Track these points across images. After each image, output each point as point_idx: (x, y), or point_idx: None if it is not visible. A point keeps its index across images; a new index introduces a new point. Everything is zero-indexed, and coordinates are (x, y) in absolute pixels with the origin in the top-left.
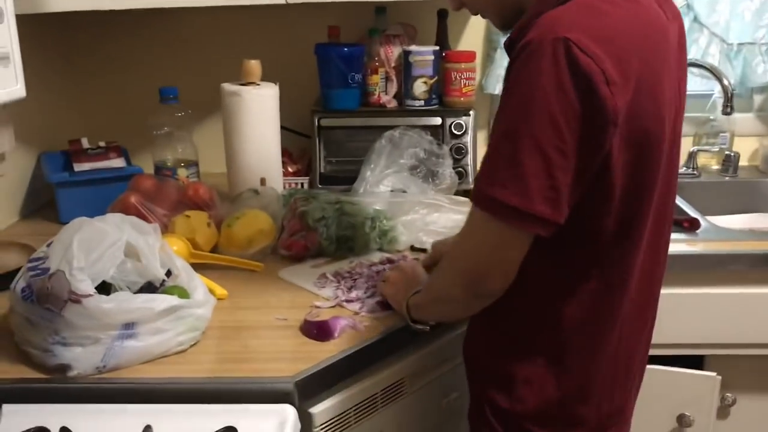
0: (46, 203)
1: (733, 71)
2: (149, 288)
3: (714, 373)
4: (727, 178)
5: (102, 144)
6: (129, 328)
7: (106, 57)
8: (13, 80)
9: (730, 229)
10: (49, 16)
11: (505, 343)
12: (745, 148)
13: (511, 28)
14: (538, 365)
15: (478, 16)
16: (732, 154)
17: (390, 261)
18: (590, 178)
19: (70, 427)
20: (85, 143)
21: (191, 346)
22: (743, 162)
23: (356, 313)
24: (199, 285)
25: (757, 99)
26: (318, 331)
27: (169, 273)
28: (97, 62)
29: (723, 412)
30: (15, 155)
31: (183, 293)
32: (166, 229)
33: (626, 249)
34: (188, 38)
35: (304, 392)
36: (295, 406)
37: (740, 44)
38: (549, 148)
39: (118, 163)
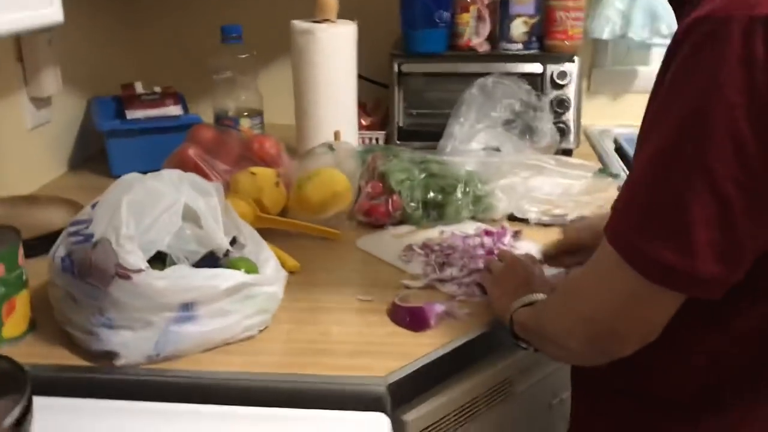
0: (97, 153)
1: None
2: (211, 259)
3: None
4: None
5: (157, 89)
6: (187, 309)
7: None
8: (52, 4)
9: None
10: None
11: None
12: None
13: None
14: None
15: None
16: None
17: (488, 233)
18: None
19: None
20: (138, 88)
21: (260, 331)
22: None
23: (452, 297)
24: (270, 257)
25: None
26: (411, 318)
27: (234, 241)
28: (153, 3)
29: None
30: (63, 100)
31: (251, 267)
32: (227, 188)
33: None
34: None
35: (397, 397)
36: (387, 415)
37: None
38: (730, 186)
39: (174, 110)
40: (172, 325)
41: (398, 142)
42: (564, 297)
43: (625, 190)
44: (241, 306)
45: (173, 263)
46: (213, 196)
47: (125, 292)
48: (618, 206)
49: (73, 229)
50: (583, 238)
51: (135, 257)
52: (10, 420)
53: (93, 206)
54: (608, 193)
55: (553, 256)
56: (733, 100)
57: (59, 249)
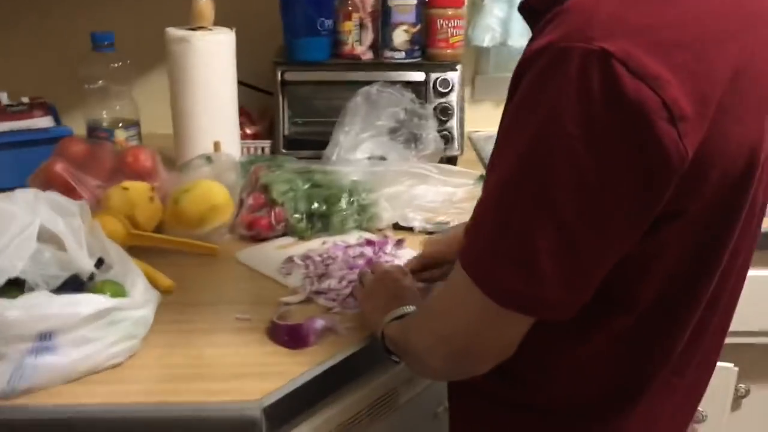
0: None
1: None
2: (75, 283)
3: (731, 364)
4: None
5: (25, 100)
6: (45, 339)
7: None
8: None
9: None
10: None
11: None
12: None
13: None
14: None
15: None
16: None
17: (370, 243)
18: (632, 245)
19: None
20: (4, 99)
21: (128, 358)
22: None
23: (329, 310)
24: (138, 278)
25: None
26: (290, 337)
27: (100, 262)
28: (20, 3)
29: (735, 404)
30: None
31: (117, 290)
32: (99, 205)
33: (673, 320)
34: None
35: (274, 419)
36: None
37: None
38: (572, 215)
39: (44, 122)
40: (28, 357)
41: (284, 151)
42: (423, 316)
43: (476, 216)
44: (105, 332)
45: (32, 290)
46: (75, 216)
47: None
48: (469, 231)
49: None
50: (443, 251)
51: None
52: None
53: None
54: None
55: (418, 270)
56: (572, 131)
57: None
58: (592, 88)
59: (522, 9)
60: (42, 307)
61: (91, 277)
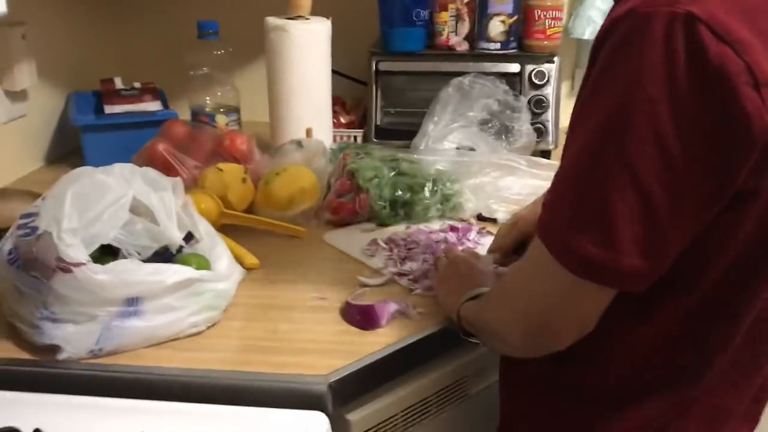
0: (76, 148)
1: None
2: (164, 254)
3: None
4: None
5: (137, 85)
6: (132, 304)
7: None
8: None
9: None
10: None
11: (561, 384)
12: None
13: None
14: None
15: None
16: None
17: (454, 229)
18: (710, 218)
19: (43, 429)
20: (118, 83)
21: (208, 327)
22: None
23: (411, 291)
24: (224, 253)
25: None
26: (362, 317)
27: (190, 236)
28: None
29: None
30: (41, 94)
31: (203, 263)
32: (195, 184)
33: (737, 303)
34: None
35: (340, 395)
36: (327, 414)
37: None
38: (651, 181)
39: (153, 106)
40: (116, 320)
41: (376, 140)
42: (500, 292)
43: (554, 187)
44: (188, 302)
45: (125, 258)
46: (168, 191)
47: (67, 286)
48: (547, 203)
49: (21, 221)
50: (515, 238)
51: (75, 250)
52: None
53: (42, 199)
54: None
55: (494, 250)
56: (655, 95)
57: (7, 242)
58: (677, 50)
59: None
60: (130, 273)
61: (180, 249)
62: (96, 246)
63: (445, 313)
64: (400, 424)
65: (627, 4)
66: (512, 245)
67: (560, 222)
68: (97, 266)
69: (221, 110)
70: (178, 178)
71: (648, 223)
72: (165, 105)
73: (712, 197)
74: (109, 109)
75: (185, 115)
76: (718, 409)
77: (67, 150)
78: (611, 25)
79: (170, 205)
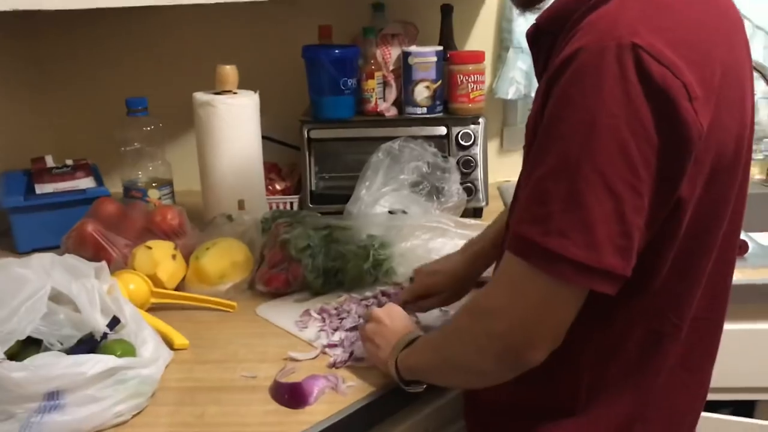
0: (6, 230)
1: None
2: (90, 342)
3: (767, 422)
4: None
5: (69, 162)
6: (53, 398)
7: (74, 66)
8: None
9: None
10: (11, 18)
11: (529, 406)
12: None
13: (531, 8)
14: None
15: (486, 11)
16: None
17: (386, 294)
18: (659, 223)
19: None
20: (50, 161)
21: (134, 416)
22: None
23: (340, 365)
24: (149, 337)
25: None
26: (290, 396)
27: (115, 321)
28: (64, 71)
29: None
30: None
31: (128, 349)
32: (126, 263)
33: (680, 295)
34: (159, 43)
35: None
36: None
37: None
38: (620, 184)
39: (86, 183)
40: (35, 416)
41: (311, 205)
42: (471, 320)
43: (525, 206)
44: (112, 391)
45: (48, 349)
46: (90, 278)
47: None
48: (521, 220)
49: None
50: (435, 282)
51: None
52: None
53: None
54: None
55: (410, 301)
56: (615, 112)
57: None
58: (628, 73)
59: (529, 36)
60: (48, 368)
61: (104, 336)
62: (11, 342)
63: (380, 368)
64: None
65: (572, 46)
66: (412, 295)
67: (538, 230)
68: (13, 364)
69: (153, 184)
70: (103, 263)
71: (621, 223)
72: (99, 181)
73: (663, 201)
74: (39, 188)
75: (118, 189)
76: (675, 411)
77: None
78: (563, 64)
79: (93, 291)
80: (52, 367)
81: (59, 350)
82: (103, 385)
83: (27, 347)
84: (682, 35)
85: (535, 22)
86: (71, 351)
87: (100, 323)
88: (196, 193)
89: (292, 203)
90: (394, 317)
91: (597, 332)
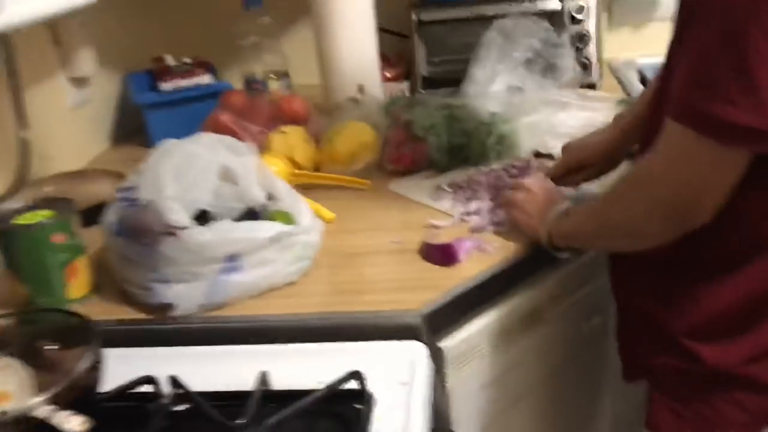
0: (136, 126)
1: None
2: (250, 214)
3: None
4: None
5: (187, 60)
6: (233, 260)
7: None
8: None
9: None
10: None
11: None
12: None
13: None
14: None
15: None
16: None
17: (513, 167)
18: None
19: (178, 375)
20: (169, 60)
21: (301, 276)
22: None
23: (480, 230)
24: (305, 208)
25: None
26: (441, 255)
27: (270, 196)
28: None
29: None
30: (100, 78)
31: (287, 218)
32: (262, 148)
33: None
34: None
35: (432, 326)
36: (424, 342)
37: None
38: None
39: (205, 79)
40: (220, 276)
41: (423, 90)
42: (637, 186)
43: (689, 73)
44: (282, 254)
45: (215, 220)
46: (247, 156)
47: (174, 249)
48: (685, 88)
49: (120, 195)
50: (585, 157)
51: (179, 216)
52: (84, 365)
53: (137, 173)
54: None
55: (561, 176)
56: None
57: (110, 216)
58: None
59: None
60: (229, 232)
61: (264, 208)
62: (195, 210)
63: (528, 233)
64: (486, 349)
65: None
66: (563, 169)
67: (704, 97)
68: (200, 228)
69: (272, 76)
70: (252, 143)
71: None
72: (216, 77)
73: None
74: (163, 86)
75: (238, 84)
76: None
77: (130, 129)
78: None
79: (251, 168)
80: (233, 231)
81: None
82: (274, 248)
83: (198, 219)
84: None
85: None
86: (237, 220)
87: (261, 196)
88: (310, 86)
89: (402, 89)
90: (545, 187)
91: (760, 190)
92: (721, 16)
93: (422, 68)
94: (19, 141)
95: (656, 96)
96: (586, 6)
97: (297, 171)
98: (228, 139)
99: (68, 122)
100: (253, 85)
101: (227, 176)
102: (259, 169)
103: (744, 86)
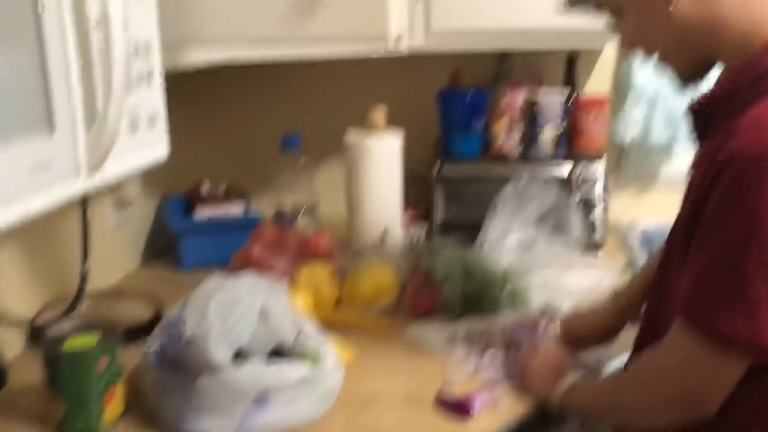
0: (166, 246)
1: None
2: (278, 351)
3: None
4: None
5: (222, 188)
6: (262, 398)
7: (230, 102)
8: (161, 141)
9: None
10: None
11: None
12: None
13: (695, 81)
14: None
15: (606, 57)
16: None
17: (525, 322)
18: None
19: None
20: (206, 186)
21: (323, 417)
22: None
23: (495, 383)
24: (330, 350)
25: None
26: (455, 409)
27: (299, 335)
28: (220, 108)
29: None
30: (140, 200)
31: (314, 357)
32: (289, 283)
33: None
34: (313, 86)
35: None
36: None
37: None
38: None
39: (237, 208)
40: (250, 412)
41: (439, 234)
42: (644, 379)
43: (695, 289)
44: (307, 395)
45: (247, 356)
46: (282, 296)
47: (212, 384)
48: (690, 303)
49: (166, 328)
50: (580, 334)
51: (222, 354)
52: None
53: (182, 307)
54: None
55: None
56: None
57: (153, 345)
58: None
59: (693, 111)
60: (262, 372)
61: (291, 347)
62: (236, 349)
63: (540, 397)
64: None
65: (732, 145)
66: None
67: (708, 309)
68: (237, 367)
69: (302, 211)
70: (284, 282)
71: None
72: (248, 206)
73: None
74: (199, 213)
75: (268, 212)
76: None
77: (160, 248)
78: (720, 166)
79: (284, 308)
80: (265, 371)
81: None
82: (300, 390)
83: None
84: None
85: (697, 101)
86: (268, 356)
87: (291, 336)
88: (337, 215)
89: (421, 233)
90: (557, 353)
91: (751, 393)
92: (722, 242)
93: (440, 214)
94: (80, 272)
95: (658, 281)
96: (593, 174)
97: (321, 308)
98: (266, 279)
99: (107, 240)
100: (282, 217)
101: (263, 315)
102: (291, 307)
103: (743, 306)
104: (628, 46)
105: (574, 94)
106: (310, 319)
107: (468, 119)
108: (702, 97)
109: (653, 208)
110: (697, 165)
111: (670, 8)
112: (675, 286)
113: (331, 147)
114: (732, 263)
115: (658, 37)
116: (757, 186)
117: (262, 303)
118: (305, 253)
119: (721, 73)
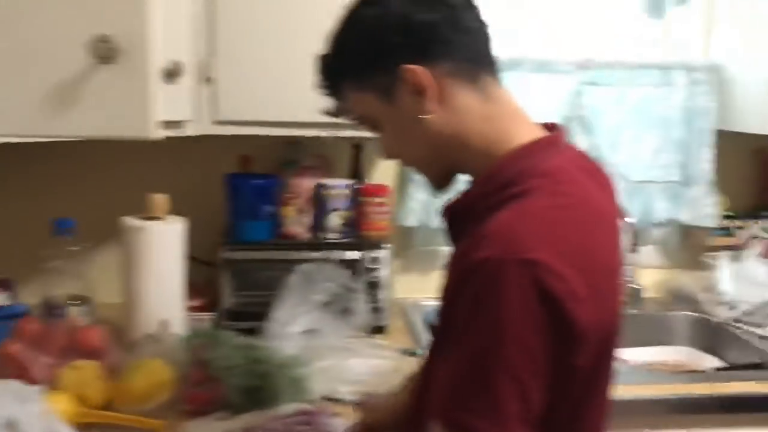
0: None
1: (636, 207)
2: None
3: None
4: (634, 311)
5: None
6: None
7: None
8: None
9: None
10: None
11: None
12: (646, 280)
13: (445, 188)
14: None
15: None
16: (638, 288)
17: (306, 413)
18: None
19: None
20: None
21: None
22: (648, 294)
23: None
24: None
25: (656, 232)
26: None
27: None
28: None
29: None
30: None
31: None
32: (51, 383)
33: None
34: (87, 168)
35: None
36: None
37: (640, 182)
38: (524, 374)
39: (2, 298)
40: None
41: (226, 322)
42: None
43: (445, 383)
44: None
45: None
46: (35, 402)
47: None
48: (441, 395)
49: None
50: (378, 419)
51: None
52: None
53: None
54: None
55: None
56: (518, 319)
57: None
58: (525, 284)
59: (446, 214)
60: None
61: None
62: None
63: None
64: None
65: (478, 252)
66: (360, 429)
67: (458, 408)
68: None
69: (73, 302)
70: (40, 387)
71: (524, 401)
72: (15, 296)
73: (560, 371)
74: None
75: (36, 303)
76: None
77: None
78: (467, 272)
79: (36, 416)
80: None
81: None
82: None
83: None
84: (573, 245)
85: (446, 206)
86: None
87: None
88: (113, 305)
89: (207, 320)
90: None
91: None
92: (470, 345)
93: (228, 301)
94: None
95: (426, 362)
96: (378, 257)
97: (86, 410)
98: (14, 385)
99: None
100: (52, 309)
101: (11, 426)
102: (45, 416)
103: (489, 404)
104: (388, 156)
105: (361, 181)
106: (70, 426)
107: (257, 203)
108: (451, 202)
109: (436, 287)
110: (450, 266)
111: (422, 123)
112: (434, 369)
113: (111, 233)
114: (479, 366)
115: (412, 149)
116: (499, 294)
117: (10, 413)
118: (74, 348)
119: (469, 182)
